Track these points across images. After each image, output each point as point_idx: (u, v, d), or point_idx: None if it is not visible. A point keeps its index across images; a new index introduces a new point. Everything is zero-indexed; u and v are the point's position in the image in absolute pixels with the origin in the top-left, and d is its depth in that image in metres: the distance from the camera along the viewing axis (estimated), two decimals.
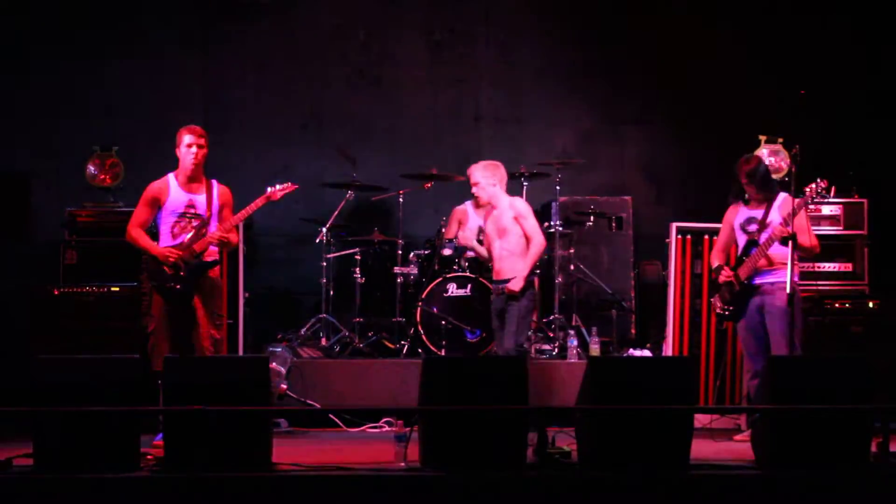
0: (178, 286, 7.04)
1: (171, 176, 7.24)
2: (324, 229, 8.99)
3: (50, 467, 5.78)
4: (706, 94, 10.03)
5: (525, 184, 9.07)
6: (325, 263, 9.03)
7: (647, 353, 8.60)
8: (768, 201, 7.39)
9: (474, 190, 8.02)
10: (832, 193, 8.68)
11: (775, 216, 7.29)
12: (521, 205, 8.00)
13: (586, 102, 10.32)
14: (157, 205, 7.17)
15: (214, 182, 7.28)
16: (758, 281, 7.32)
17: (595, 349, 8.55)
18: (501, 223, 7.90)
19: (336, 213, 9.08)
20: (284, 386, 7.92)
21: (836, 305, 8.26)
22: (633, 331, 9.46)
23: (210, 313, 7.14)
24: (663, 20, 10.11)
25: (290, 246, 9.80)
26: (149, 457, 6.05)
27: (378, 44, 10.23)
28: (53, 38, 9.61)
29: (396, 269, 8.89)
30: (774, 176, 8.77)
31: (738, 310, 7.40)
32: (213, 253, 7.21)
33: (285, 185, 7.29)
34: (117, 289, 8.22)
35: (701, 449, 6.32)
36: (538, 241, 7.89)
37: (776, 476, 5.87)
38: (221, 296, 7.43)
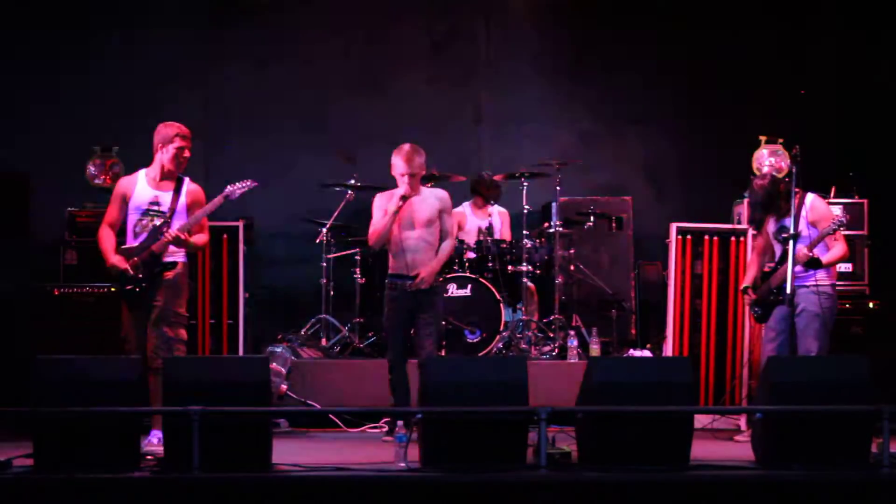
0: (137, 289, 6.82)
1: (142, 172, 7.02)
2: (324, 229, 8.99)
3: (50, 467, 5.79)
4: (706, 94, 10.04)
5: (525, 184, 9.06)
6: (325, 263, 9.03)
7: (647, 353, 8.60)
8: (798, 203, 7.16)
9: (409, 180, 7.19)
10: (832, 194, 8.73)
11: (803, 224, 7.10)
12: (447, 198, 7.41)
13: (586, 102, 10.33)
14: (125, 201, 6.95)
15: (186, 180, 7.01)
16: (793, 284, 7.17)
17: (595, 349, 8.55)
18: (426, 213, 7.25)
19: (336, 213, 9.08)
20: (285, 386, 7.92)
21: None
22: (633, 331, 9.47)
23: (167, 313, 6.85)
24: (663, 20, 10.12)
25: (290, 246, 9.80)
26: (149, 457, 6.05)
27: (378, 44, 10.23)
28: (53, 37, 9.62)
29: None
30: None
31: (767, 312, 7.34)
32: (174, 253, 6.92)
33: (245, 182, 7.03)
34: (117, 289, 8.22)
35: (701, 449, 6.32)
36: (453, 243, 7.50)
37: (776, 476, 5.87)
38: (183, 295, 7.00)
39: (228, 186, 7.02)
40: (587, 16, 10.22)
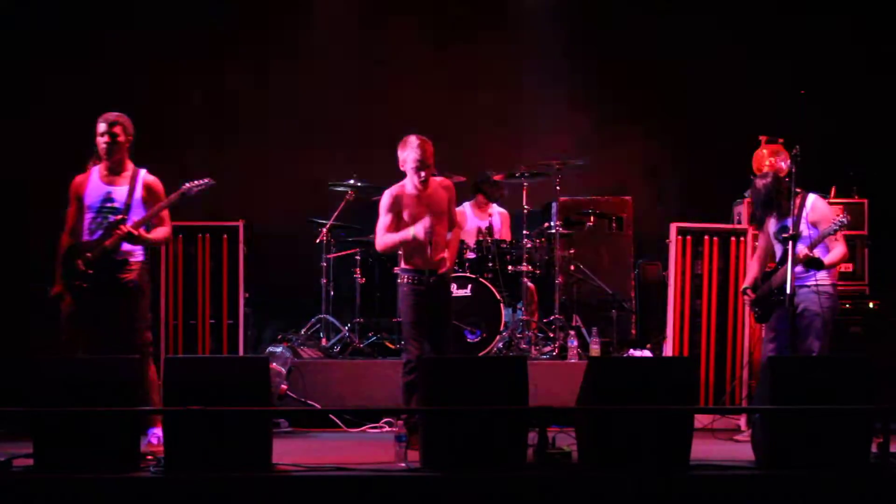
0: (85, 285, 6.70)
1: (94, 168, 6.89)
2: (324, 229, 9.00)
3: (50, 467, 5.79)
4: (706, 94, 10.04)
5: (525, 184, 9.06)
6: (325, 263, 9.03)
7: (647, 353, 8.60)
8: (799, 203, 7.16)
9: (422, 173, 6.95)
10: (832, 194, 8.73)
11: (804, 226, 7.09)
12: (453, 186, 7.24)
13: (586, 102, 10.33)
14: (79, 200, 6.83)
15: (141, 172, 6.86)
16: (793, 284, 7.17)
17: (595, 349, 8.55)
18: (438, 206, 7.05)
19: (336, 213, 9.08)
20: (285, 386, 7.92)
21: None
22: (633, 331, 9.47)
23: (130, 318, 6.76)
24: (663, 20, 10.12)
25: (290, 246, 9.79)
26: (149, 457, 6.05)
27: (378, 43, 10.23)
28: (53, 37, 9.62)
29: (397, 269, 8.88)
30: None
31: (767, 313, 7.34)
32: (130, 252, 6.79)
33: (203, 180, 6.91)
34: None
35: (701, 449, 6.32)
36: (459, 231, 7.38)
37: (776, 476, 5.87)
38: (144, 298, 6.86)
39: (186, 183, 6.89)
40: (587, 16, 10.23)
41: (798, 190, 7.07)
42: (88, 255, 6.73)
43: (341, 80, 10.17)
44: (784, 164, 8.79)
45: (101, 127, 6.84)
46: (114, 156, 6.81)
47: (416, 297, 6.99)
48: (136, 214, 6.77)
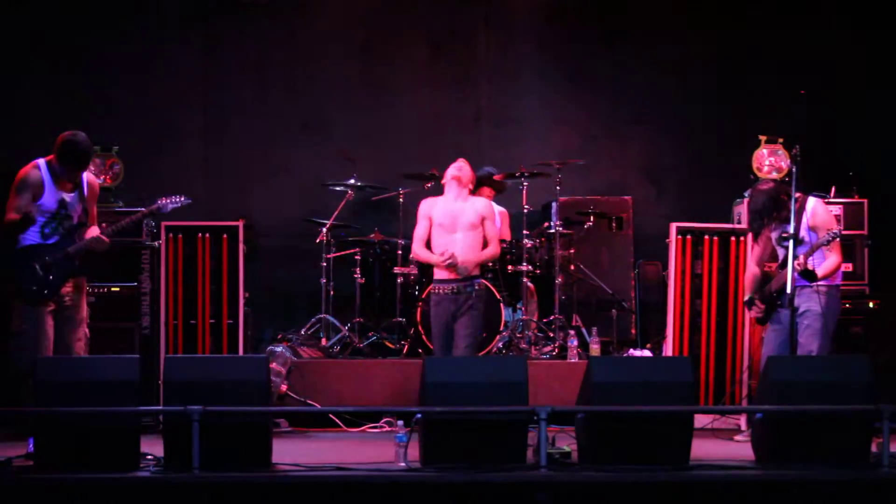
0: (46, 291, 6.69)
1: (43, 166, 6.78)
2: (324, 229, 8.99)
3: (50, 467, 5.79)
4: (706, 94, 10.03)
5: (525, 184, 9.05)
6: (325, 263, 9.03)
7: (647, 353, 8.60)
8: (798, 207, 7.12)
9: (463, 188, 7.71)
10: (832, 194, 8.72)
11: (804, 231, 7.07)
12: (489, 206, 7.89)
13: (586, 102, 10.32)
14: (33, 196, 6.71)
15: (85, 175, 6.86)
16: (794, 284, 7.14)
17: (595, 349, 8.55)
18: (469, 218, 7.64)
19: (336, 213, 9.08)
20: (285, 386, 7.92)
21: None
22: (633, 331, 9.46)
23: (81, 315, 6.84)
24: (663, 20, 10.11)
25: (291, 246, 9.79)
26: (149, 457, 6.05)
27: (378, 43, 10.23)
28: (53, 38, 9.61)
29: (396, 269, 8.89)
30: (774, 176, 8.78)
31: (767, 315, 7.33)
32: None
33: (179, 198, 6.99)
34: (117, 289, 8.24)
35: (701, 449, 6.32)
36: (496, 249, 7.80)
37: (776, 476, 5.88)
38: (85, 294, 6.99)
39: (161, 199, 6.99)
40: (587, 16, 10.22)
41: (797, 196, 7.04)
42: (48, 260, 6.75)
43: (341, 80, 10.16)
44: (784, 164, 8.79)
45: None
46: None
47: (435, 306, 7.64)
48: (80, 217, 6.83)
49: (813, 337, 7.04)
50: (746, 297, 7.49)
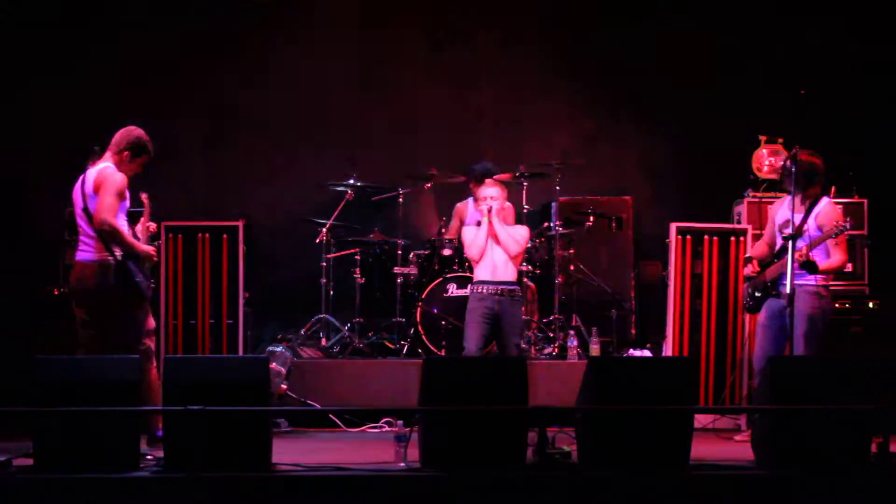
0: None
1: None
2: (324, 229, 9.00)
3: (50, 467, 5.79)
4: (706, 94, 10.04)
5: (525, 184, 9.06)
6: (325, 263, 9.03)
7: (647, 353, 8.60)
8: (811, 202, 7.20)
9: (493, 204, 7.89)
10: (832, 194, 8.73)
11: (811, 224, 7.09)
12: (527, 234, 8.14)
13: (586, 102, 10.33)
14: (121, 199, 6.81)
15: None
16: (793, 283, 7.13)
17: (595, 349, 8.55)
18: (509, 232, 7.92)
19: (336, 213, 9.08)
20: (284, 386, 7.92)
21: (836, 305, 8.23)
22: (633, 331, 9.47)
23: None
24: (663, 20, 10.11)
25: (290, 246, 9.80)
26: (149, 457, 6.05)
27: (378, 43, 10.24)
28: (53, 38, 9.62)
29: (396, 269, 8.90)
30: (773, 176, 8.78)
31: (758, 304, 7.33)
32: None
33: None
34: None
35: (701, 449, 6.32)
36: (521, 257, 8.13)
37: (776, 476, 5.87)
38: None
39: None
40: (587, 16, 10.22)
41: (810, 193, 7.04)
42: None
43: (341, 80, 10.16)
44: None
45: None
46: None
47: (475, 303, 7.83)
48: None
49: (801, 336, 6.97)
50: (747, 255, 7.49)
